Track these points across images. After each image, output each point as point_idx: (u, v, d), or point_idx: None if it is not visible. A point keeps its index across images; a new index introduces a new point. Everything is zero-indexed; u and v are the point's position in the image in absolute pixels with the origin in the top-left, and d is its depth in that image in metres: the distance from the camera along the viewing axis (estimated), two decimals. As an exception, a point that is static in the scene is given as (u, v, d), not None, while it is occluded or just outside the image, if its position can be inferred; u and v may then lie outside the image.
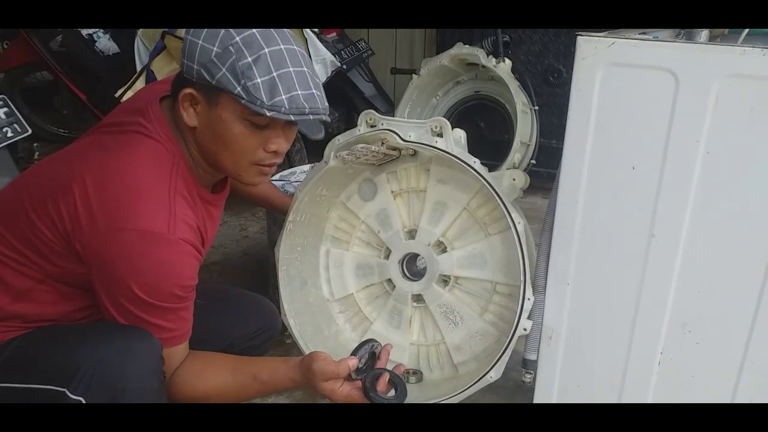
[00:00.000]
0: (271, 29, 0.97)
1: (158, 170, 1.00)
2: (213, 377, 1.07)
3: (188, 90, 0.98)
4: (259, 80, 0.92)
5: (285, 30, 0.99)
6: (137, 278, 0.94)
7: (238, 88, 0.92)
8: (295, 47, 0.98)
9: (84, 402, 0.93)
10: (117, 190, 0.95)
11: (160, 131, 1.02)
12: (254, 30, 0.95)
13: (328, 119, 1.05)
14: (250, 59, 0.92)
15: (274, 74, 0.93)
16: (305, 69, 0.98)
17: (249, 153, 1.01)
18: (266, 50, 0.93)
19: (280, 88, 0.93)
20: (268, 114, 0.93)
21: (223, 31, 0.94)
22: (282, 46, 0.95)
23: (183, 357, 1.07)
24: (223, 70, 0.92)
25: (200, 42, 0.94)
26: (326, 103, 1.02)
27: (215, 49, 0.93)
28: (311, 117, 0.97)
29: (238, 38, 0.93)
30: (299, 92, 0.95)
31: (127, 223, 0.93)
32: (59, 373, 0.94)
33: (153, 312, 0.98)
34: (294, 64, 0.96)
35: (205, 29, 0.95)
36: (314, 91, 0.98)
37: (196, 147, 1.05)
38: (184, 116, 1.01)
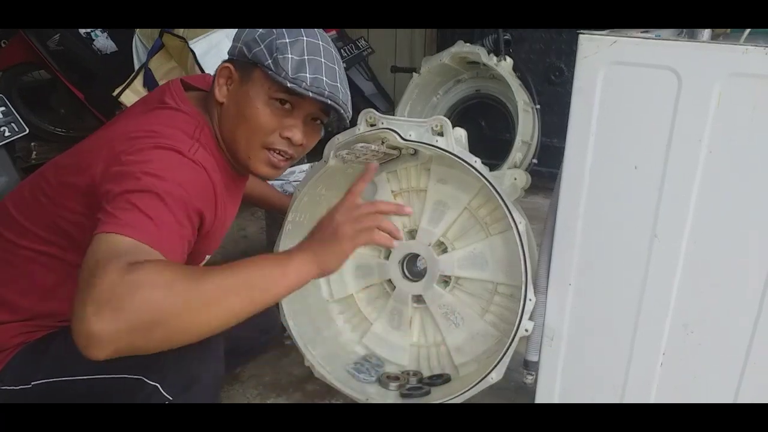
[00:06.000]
0: (316, 31, 1.02)
1: (180, 126, 0.98)
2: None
3: (226, 64, 1.03)
4: (290, 56, 0.97)
5: (328, 37, 1.05)
6: (148, 166, 0.86)
7: (269, 60, 0.97)
8: (333, 51, 1.04)
9: (160, 388, 0.91)
10: (133, 133, 0.92)
11: (181, 104, 1.03)
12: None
13: (347, 120, 1.08)
14: (288, 40, 0.98)
15: (306, 57, 0.98)
16: (337, 68, 1.03)
17: (263, 132, 1.02)
18: (305, 39, 0.99)
19: (308, 67, 0.98)
20: (288, 85, 0.96)
21: None
22: (321, 43, 1.01)
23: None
24: (261, 46, 0.98)
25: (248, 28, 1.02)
26: (349, 103, 1.06)
27: (260, 30, 1.00)
28: (329, 102, 1.00)
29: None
30: (324, 78, 0.99)
31: (145, 143, 0.90)
32: (134, 363, 0.84)
33: (147, 200, 0.82)
34: (327, 60, 1.01)
35: None
36: (339, 85, 1.02)
37: (219, 127, 1.06)
38: (216, 91, 1.04)
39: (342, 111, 1.03)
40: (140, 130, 0.94)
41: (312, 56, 0.98)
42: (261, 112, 1.00)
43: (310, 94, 0.97)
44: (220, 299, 0.76)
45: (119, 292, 0.68)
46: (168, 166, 0.88)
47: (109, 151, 0.92)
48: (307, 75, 0.97)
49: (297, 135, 1.03)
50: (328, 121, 1.09)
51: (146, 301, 0.69)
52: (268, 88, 0.99)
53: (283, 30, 0.99)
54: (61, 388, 0.98)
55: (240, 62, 1.01)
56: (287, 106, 1.01)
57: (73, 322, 0.69)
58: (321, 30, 1.04)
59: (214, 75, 1.05)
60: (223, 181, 1.06)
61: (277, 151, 1.05)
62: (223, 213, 1.05)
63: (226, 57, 1.06)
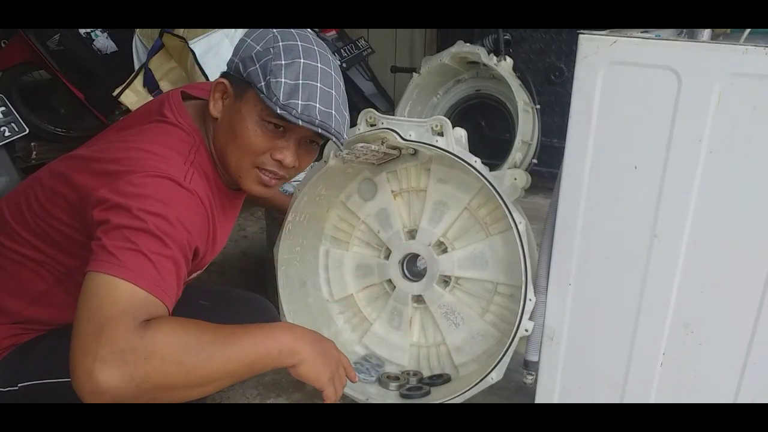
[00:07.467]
0: (316, 50, 0.98)
1: (176, 146, 0.97)
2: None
3: (222, 79, 1.01)
4: (283, 80, 0.93)
5: (330, 57, 1.01)
6: (146, 202, 0.85)
7: (262, 83, 0.94)
8: (332, 73, 0.99)
9: None
10: (130, 151, 0.93)
11: (180, 117, 1.02)
12: (300, 42, 0.97)
13: (341, 147, 1.05)
14: (283, 62, 0.94)
15: (300, 82, 0.94)
16: (333, 92, 0.98)
17: (254, 153, 1.00)
18: (302, 61, 0.95)
19: (300, 94, 0.94)
20: (278, 112, 0.93)
21: (271, 35, 0.97)
22: (319, 65, 0.97)
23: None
24: (257, 65, 0.95)
25: (249, 40, 0.98)
26: (343, 132, 1.02)
27: (258, 47, 0.96)
28: (320, 131, 0.97)
29: (281, 43, 0.96)
30: (318, 105, 0.95)
31: (140, 168, 0.89)
32: None
33: (148, 242, 0.83)
34: (324, 84, 0.97)
35: (259, 30, 0.98)
36: (334, 112, 0.98)
37: (213, 142, 1.04)
38: (211, 106, 1.02)
39: (334, 140, 1.00)
40: (135, 148, 0.93)
41: (307, 81, 0.95)
42: (252, 133, 0.98)
43: (300, 122, 0.94)
44: (225, 377, 0.84)
45: (132, 359, 0.74)
46: (165, 201, 0.87)
47: (102, 167, 0.92)
48: (299, 102, 0.93)
49: (288, 158, 1.00)
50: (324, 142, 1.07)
51: (156, 373, 0.75)
52: (260, 110, 0.97)
53: (281, 50, 0.95)
54: (48, 390, 0.98)
55: (235, 78, 0.99)
56: (280, 128, 0.99)
57: (76, 371, 0.73)
58: (324, 47, 1.01)
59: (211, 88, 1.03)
60: (218, 203, 1.06)
61: (269, 171, 1.03)
62: (218, 237, 1.07)
63: (226, 57, 1.06)
